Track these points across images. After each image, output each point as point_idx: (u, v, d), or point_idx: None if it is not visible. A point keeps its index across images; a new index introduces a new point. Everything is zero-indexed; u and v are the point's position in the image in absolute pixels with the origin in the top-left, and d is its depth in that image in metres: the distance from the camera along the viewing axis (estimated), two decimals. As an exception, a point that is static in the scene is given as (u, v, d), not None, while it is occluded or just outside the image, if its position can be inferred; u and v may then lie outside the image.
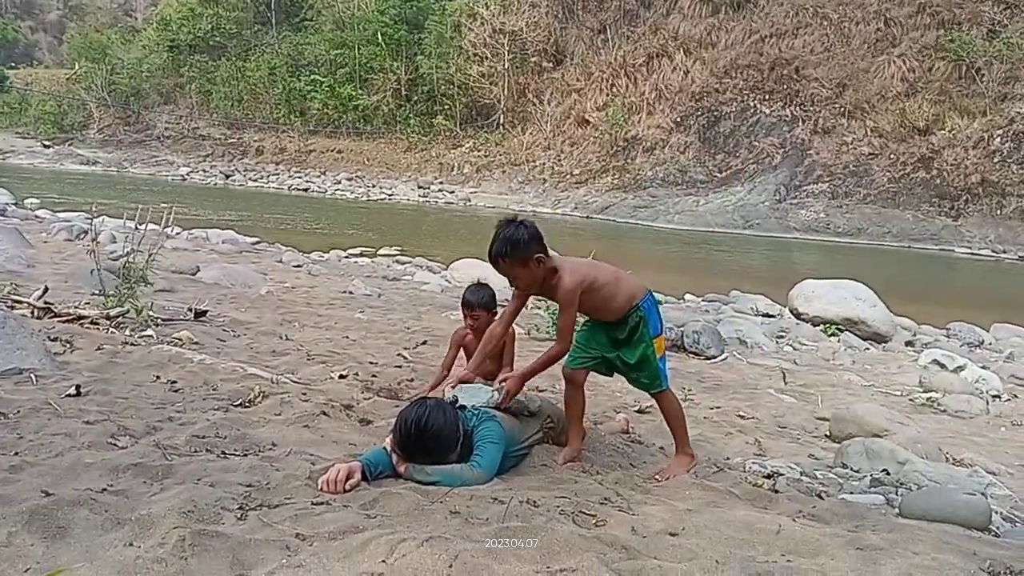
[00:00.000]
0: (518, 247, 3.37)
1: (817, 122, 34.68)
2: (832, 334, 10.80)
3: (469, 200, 37.56)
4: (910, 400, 6.96)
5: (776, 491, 3.55)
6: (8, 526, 2.15)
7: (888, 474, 4.05)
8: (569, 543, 2.40)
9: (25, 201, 20.20)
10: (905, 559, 2.59)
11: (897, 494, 3.75)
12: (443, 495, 2.86)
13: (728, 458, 4.31)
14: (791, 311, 11.98)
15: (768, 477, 3.80)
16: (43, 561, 2.05)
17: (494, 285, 4.84)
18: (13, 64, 66.58)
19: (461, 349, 4.89)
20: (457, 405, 3.43)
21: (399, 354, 6.27)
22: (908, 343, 11.21)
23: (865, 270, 17.16)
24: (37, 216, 16.87)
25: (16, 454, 2.90)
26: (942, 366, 8.30)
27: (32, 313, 5.56)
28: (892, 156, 32.52)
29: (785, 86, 36.12)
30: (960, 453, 4.92)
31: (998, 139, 30.98)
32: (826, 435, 5.26)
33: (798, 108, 35.45)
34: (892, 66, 34.34)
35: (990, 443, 5.54)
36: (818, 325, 11.13)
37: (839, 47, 36.04)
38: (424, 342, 6.98)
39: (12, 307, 5.50)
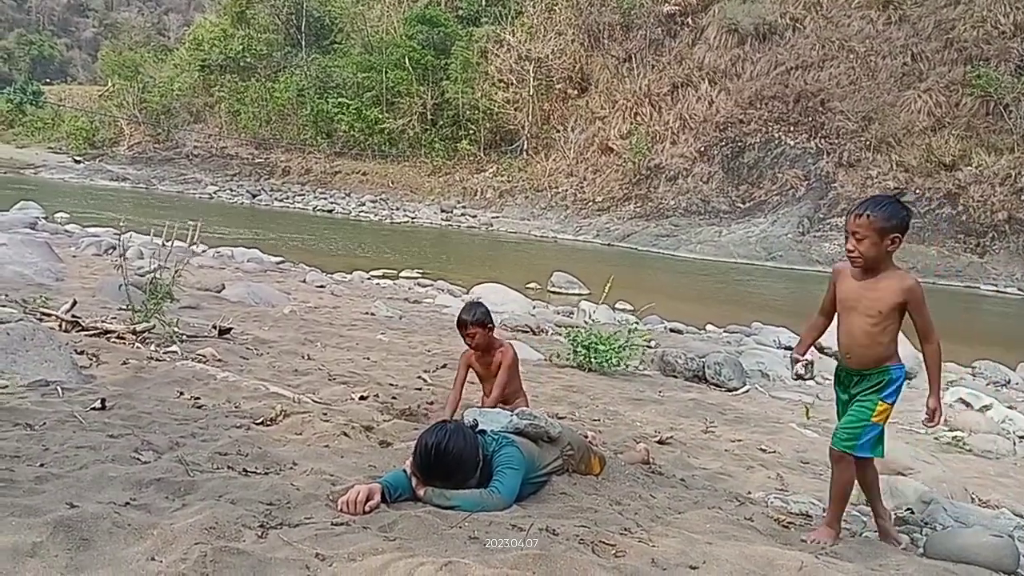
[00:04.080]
0: (889, 215, 3.27)
1: (842, 155, 34.55)
2: (855, 369, 10.67)
3: (491, 225, 37.71)
4: (935, 439, 6.87)
5: (798, 527, 3.51)
6: (33, 536, 2.17)
7: (912, 513, 3.99)
8: (588, 573, 2.39)
9: (55, 215, 20.53)
10: (930, 601, 2.55)
11: (922, 533, 3.70)
12: (462, 520, 2.85)
13: (750, 492, 4.26)
14: (815, 345, 11.87)
15: (800, 515, 3.76)
16: (67, 572, 2.06)
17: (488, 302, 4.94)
18: (48, 80, 68.17)
19: (470, 369, 4.93)
20: (477, 430, 3.42)
21: (419, 376, 6.28)
22: (932, 380, 11.05)
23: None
24: (67, 231, 17.14)
25: (42, 465, 2.93)
26: (968, 405, 8.19)
27: (60, 326, 5.63)
28: (918, 191, 32.28)
29: (810, 118, 36.06)
30: (986, 494, 4.84)
31: (1026, 176, 30.69)
32: (849, 471, 5.18)
33: (823, 140, 35.35)
34: (919, 101, 34.21)
35: (1017, 484, 5.44)
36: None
37: (865, 80, 35.98)
38: (444, 365, 6.99)
39: (41, 319, 5.58)
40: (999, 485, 5.29)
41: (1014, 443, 6.76)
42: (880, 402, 3.35)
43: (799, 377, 3.70)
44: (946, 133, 33.02)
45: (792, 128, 36.30)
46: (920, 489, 4.22)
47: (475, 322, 4.72)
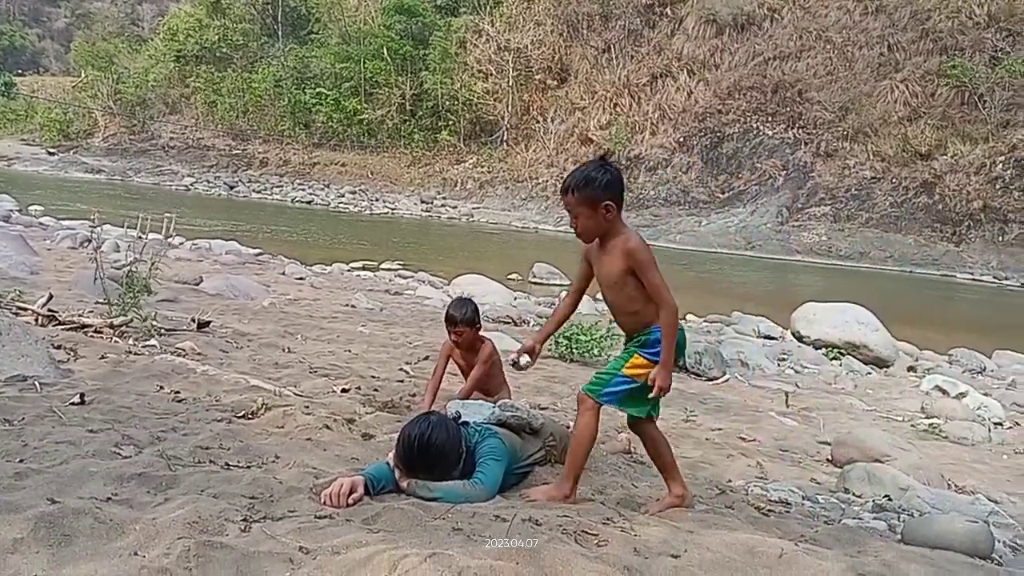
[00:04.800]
0: (591, 185, 3.16)
1: (820, 145, 34.83)
2: (834, 358, 10.80)
3: (472, 216, 37.65)
4: (912, 426, 6.96)
5: (778, 515, 3.55)
6: (15, 532, 2.15)
7: (890, 500, 4.05)
8: (571, 562, 2.40)
9: (29, 208, 20.27)
10: (908, 585, 2.59)
11: (899, 520, 3.75)
12: (445, 511, 2.85)
13: (730, 480, 4.30)
14: (793, 334, 11.99)
15: (780, 503, 3.80)
16: (48, 568, 2.05)
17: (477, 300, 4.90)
18: (20, 71, 67.03)
19: (450, 361, 4.91)
20: (460, 421, 3.43)
21: (401, 369, 6.27)
22: (910, 368, 11.21)
23: (867, 294, 17.17)
24: (41, 223, 16.92)
25: (21, 461, 2.90)
26: (944, 392, 8.31)
27: (36, 320, 5.57)
28: (894, 180, 32.64)
29: (788, 108, 36.30)
30: (962, 480, 4.91)
31: (1000, 165, 31.08)
32: (828, 459, 5.25)
33: (801, 131, 35.61)
34: (895, 91, 34.54)
35: (992, 471, 5.53)
36: (820, 348, 11.14)
37: (842, 71, 36.26)
38: (426, 357, 6.98)
39: (16, 314, 5.52)
40: (975, 471, 5.37)
41: (989, 430, 6.87)
42: (637, 355, 3.19)
43: (515, 365, 3.49)
44: (922, 123, 33.38)
45: (770, 118, 36.53)
46: (897, 476, 4.28)
47: (464, 321, 4.64)
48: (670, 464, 3.38)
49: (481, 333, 4.85)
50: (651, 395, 3.14)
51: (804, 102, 36.07)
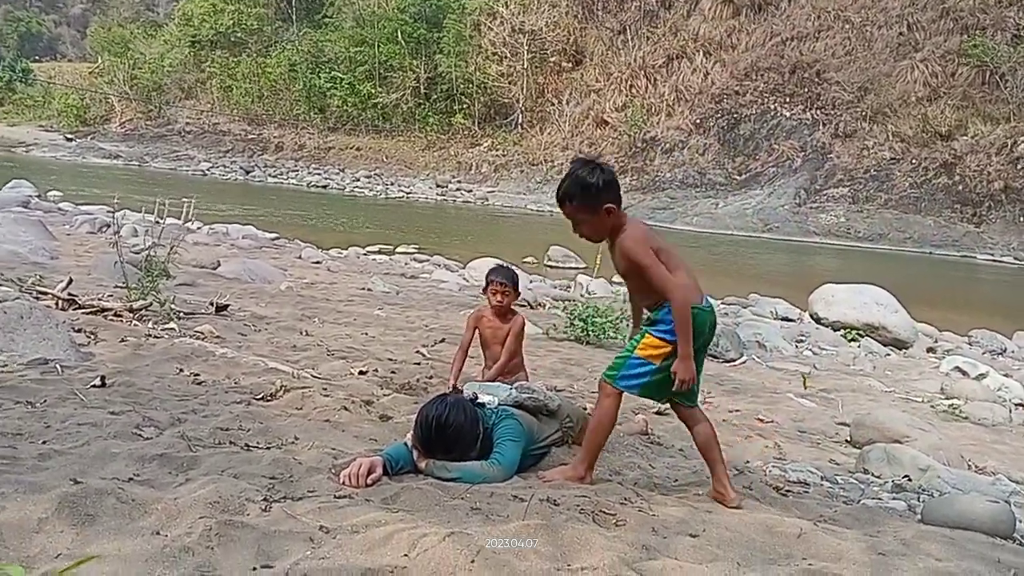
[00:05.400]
0: (589, 191, 3.08)
1: (838, 126, 34.45)
2: (852, 339, 10.74)
3: (487, 199, 37.60)
4: (931, 407, 6.91)
5: (797, 495, 3.54)
6: (39, 512, 2.18)
7: (910, 480, 4.03)
8: (588, 541, 2.41)
9: (48, 194, 20.41)
10: (927, 565, 2.58)
11: (919, 500, 3.73)
12: (463, 491, 2.87)
13: (748, 461, 4.29)
14: (811, 315, 11.93)
15: (798, 483, 3.78)
16: (73, 547, 2.08)
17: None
18: (37, 58, 67.43)
19: (476, 332, 4.90)
20: (476, 403, 3.44)
21: (418, 351, 6.29)
22: (929, 350, 11.13)
23: (886, 275, 17.03)
24: (60, 209, 17.04)
25: (44, 443, 2.94)
26: (964, 373, 8.24)
27: (57, 304, 5.62)
28: (914, 161, 32.25)
29: (806, 89, 35.91)
30: (983, 461, 4.88)
31: (1022, 145, 30.64)
32: (847, 440, 5.23)
33: (819, 111, 35.24)
34: (914, 71, 34.06)
35: (1013, 452, 5.49)
36: (838, 330, 11.07)
37: (861, 51, 35.79)
38: (442, 340, 7.00)
39: (37, 298, 5.57)
40: (995, 452, 5.33)
41: (1010, 411, 6.81)
42: (648, 335, 3.13)
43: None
44: (942, 103, 32.92)
45: (788, 99, 36.16)
46: (917, 456, 4.26)
47: (512, 281, 4.71)
48: (713, 461, 3.23)
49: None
50: (673, 388, 3.10)
51: (822, 83, 35.66)
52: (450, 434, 3.12)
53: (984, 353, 11.32)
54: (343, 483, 2.82)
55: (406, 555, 2.17)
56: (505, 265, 4.96)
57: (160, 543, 2.12)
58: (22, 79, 58.43)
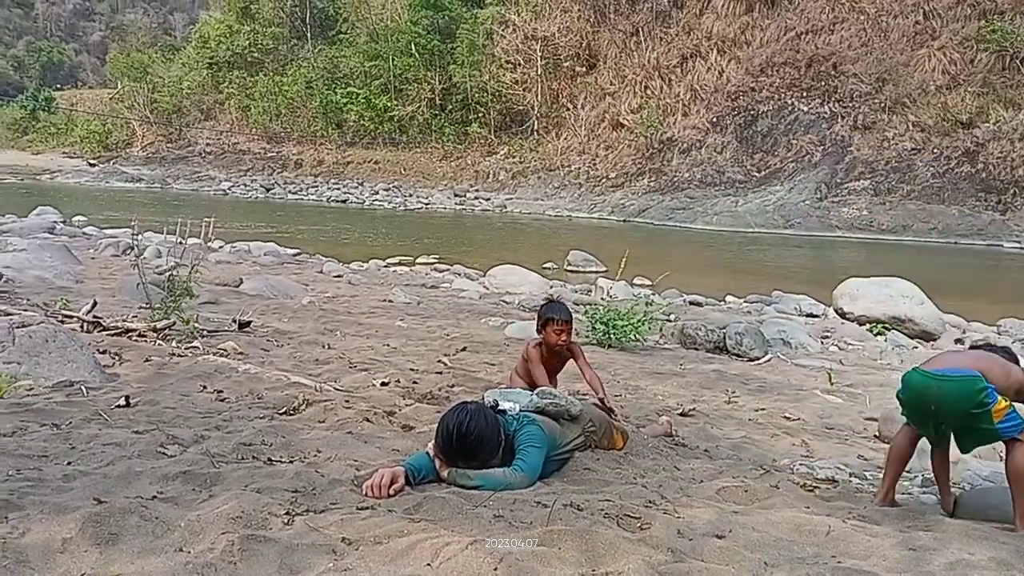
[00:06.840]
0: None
1: (857, 118, 34.09)
2: (879, 333, 10.60)
3: (505, 207, 37.62)
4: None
5: (825, 492, 3.49)
6: (63, 532, 2.20)
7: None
8: (614, 546, 2.39)
9: (73, 219, 20.70)
10: (959, 559, 2.53)
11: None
12: (486, 499, 2.85)
13: (775, 460, 4.25)
14: (836, 310, 11.79)
15: (827, 480, 3.73)
16: (97, 566, 2.09)
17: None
18: (59, 86, 68.56)
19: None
20: (497, 409, 3.43)
21: (439, 361, 6.30)
22: (958, 341, 10.95)
23: (911, 267, 16.82)
24: (85, 233, 17.29)
25: (69, 463, 2.97)
26: (993, 363, 8.08)
27: (81, 327, 5.69)
28: (935, 151, 31.83)
29: (823, 82, 35.58)
30: (1015, 451, 4.78)
31: (1046, 130, 30.16)
32: (875, 435, 5.16)
33: (837, 104, 34.89)
34: (932, 59, 33.65)
35: (1046, 441, 5.37)
36: (864, 324, 10.93)
37: (877, 41, 35.42)
38: (464, 348, 7.00)
39: (62, 321, 5.64)
40: (1028, 442, 5.22)
41: (1042, 400, 6.67)
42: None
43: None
44: (962, 90, 32.47)
45: (805, 93, 35.85)
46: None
47: (568, 316, 4.52)
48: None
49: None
50: None
51: (839, 75, 35.31)
52: (472, 442, 3.11)
53: (1014, 342, 11.12)
54: (365, 494, 2.82)
55: (429, 564, 2.17)
56: (557, 299, 4.83)
57: (183, 560, 2.13)
58: (45, 107, 59.41)
